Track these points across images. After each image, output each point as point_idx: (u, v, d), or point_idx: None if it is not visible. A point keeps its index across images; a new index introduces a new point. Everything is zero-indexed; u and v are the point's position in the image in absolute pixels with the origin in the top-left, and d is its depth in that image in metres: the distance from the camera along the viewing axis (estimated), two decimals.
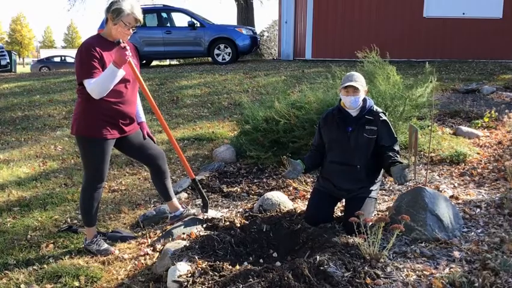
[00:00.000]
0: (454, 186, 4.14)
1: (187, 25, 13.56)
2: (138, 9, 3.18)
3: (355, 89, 3.29)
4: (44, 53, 49.75)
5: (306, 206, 3.61)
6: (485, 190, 3.97)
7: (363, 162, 3.37)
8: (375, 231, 2.83)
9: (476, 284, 2.40)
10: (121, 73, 3.08)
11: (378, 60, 5.38)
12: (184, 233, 3.46)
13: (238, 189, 4.47)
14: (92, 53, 3.08)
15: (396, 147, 3.39)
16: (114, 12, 3.11)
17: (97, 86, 3.06)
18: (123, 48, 2.99)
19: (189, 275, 2.73)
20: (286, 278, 2.49)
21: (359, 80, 3.34)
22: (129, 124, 3.39)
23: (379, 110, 3.43)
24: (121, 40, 3.04)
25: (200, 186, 3.79)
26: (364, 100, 3.39)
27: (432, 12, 12.46)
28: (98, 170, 3.32)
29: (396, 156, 3.29)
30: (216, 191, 4.48)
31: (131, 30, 3.19)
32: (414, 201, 3.23)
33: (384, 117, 3.39)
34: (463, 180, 4.27)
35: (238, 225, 3.45)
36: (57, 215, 4.23)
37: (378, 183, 3.48)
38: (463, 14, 12.37)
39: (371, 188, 3.39)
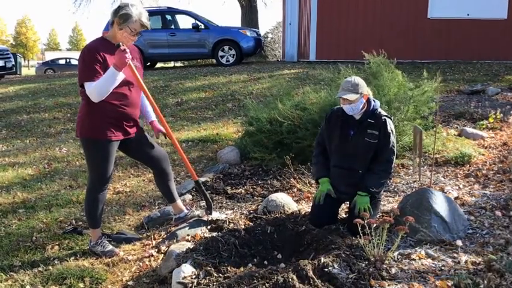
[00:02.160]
0: (459, 187, 4.12)
1: (191, 27, 13.59)
2: (145, 15, 3.18)
3: (349, 100, 3.26)
4: (49, 56, 49.97)
5: (310, 207, 3.61)
6: (490, 191, 3.95)
7: (364, 167, 3.35)
8: (379, 232, 2.83)
9: (482, 286, 2.39)
10: (120, 76, 3.09)
11: (384, 62, 5.36)
12: (188, 235, 3.46)
13: (243, 191, 4.48)
14: (94, 57, 3.08)
15: (387, 155, 3.31)
16: (122, 18, 3.11)
17: (96, 89, 3.07)
18: (123, 51, 2.99)
19: (194, 276, 2.74)
20: (290, 280, 2.49)
21: (355, 88, 3.23)
22: (133, 126, 3.40)
23: (383, 113, 3.36)
24: (121, 43, 3.03)
25: (203, 188, 3.79)
26: (369, 102, 3.35)
27: (436, 13, 12.43)
28: (102, 171, 3.33)
29: (372, 180, 3.28)
30: (220, 193, 4.49)
31: (136, 36, 3.20)
32: (419, 202, 3.22)
33: (387, 123, 3.30)
34: (467, 182, 4.25)
35: (243, 226, 3.45)
36: (62, 216, 4.24)
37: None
38: (468, 15, 12.33)
39: None
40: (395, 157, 3.36)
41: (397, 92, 4.99)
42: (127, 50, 3.02)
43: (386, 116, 3.35)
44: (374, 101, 3.39)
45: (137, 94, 3.38)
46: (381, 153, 3.31)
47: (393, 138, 3.32)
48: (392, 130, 3.32)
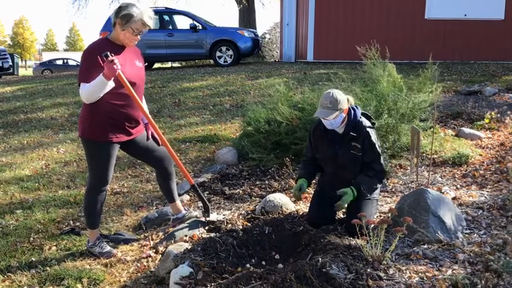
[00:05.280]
0: (456, 187, 4.13)
1: (189, 28, 13.58)
2: (148, 14, 3.15)
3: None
4: (47, 56, 49.87)
5: (308, 208, 3.61)
6: (487, 192, 3.96)
7: (355, 175, 3.32)
8: (377, 233, 2.83)
9: (479, 286, 2.39)
10: (110, 84, 3.08)
11: (380, 62, 5.37)
12: (186, 235, 3.46)
13: (240, 191, 4.48)
14: (94, 59, 3.08)
15: (377, 165, 3.28)
16: (123, 18, 3.10)
17: (85, 93, 3.08)
18: (111, 62, 2.96)
19: (191, 277, 2.74)
20: (288, 280, 2.49)
21: (334, 105, 3.16)
22: (135, 127, 3.39)
23: (366, 123, 3.30)
24: (108, 53, 2.98)
25: (200, 191, 3.75)
26: (349, 113, 3.29)
27: (433, 14, 12.45)
28: (103, 172, 3.33)
29: (365, 180, 3.24)
30: (218, 193, 4.48)
31: (139, 36, 3.19)
32: (416, 203, 3.23)
33: (370, 134, 3.26)
34: (465, 182, 4.26)
35: (241, 227, 3.45)
36: (59, 217, 4.23)
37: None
38: (465, 15, 12.36)
39: None
40: (384, 164, 3.37)
41: (395, 93, 4.99)
42: (115, 60, 2.98)
43: (368, 126, 3.30)
44: (355, 109, 3.34)
45: (140, 95, 3.37)
46: (371, 163, 3.28)
47: (378, 148, 3.30)
48: (375, 140, 3.29)
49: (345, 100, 3.24)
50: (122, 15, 3.10)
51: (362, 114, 3.42)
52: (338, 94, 3.22)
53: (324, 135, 3.38)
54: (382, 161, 3.33)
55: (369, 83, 5.32)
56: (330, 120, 3.21)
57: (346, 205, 3.24)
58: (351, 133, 3.27)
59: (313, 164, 3.57)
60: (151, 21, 3.19)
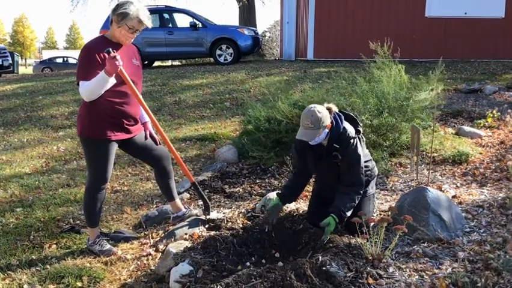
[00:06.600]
0: (457, 186, 4.13)
1: (189, 26, 13.57)
2: (144, 13, 3.16)
3: None
4: (47, 54, 49.76)
5: (308, 206, 3.61)
6: (487, 190, 3.96)
7: None
8: (377, 231, 2.83)
9: (479, 284, 2.39)
10: (112, 80, 3.08)
11: (384, 60, 5.35)
12: (186, 234, 3.46)
13: (241, 190, 4.48)
14: (92, 56, 3.08)
15: (352, 176, 3.13)
16: (119, 16, 3.10)
17: (86, 91, 3.09)
18: (113, 58, 2.96)
19: (191, 275, 2.74)
20: (288, 278, 2.50)
21: (316, 125, 3.03)
22: (134, 125, 3.39)
23: (350, 133, 3.17)
24: (110, 49, 2.99)
25: (200, 189, 3.75)
26: (332, 125, 3.15)
27: (434, 12, 12.45)
28: (102, 170, 3.33)
29: (343, 201, 3.08)
30: (218, 192, 4.48)
31: (135, 33, 3.19)
32: (416, 201, 3.23)
33: (350, 144, 3.13)
34: (465, 180, 4.27)
35: (241, 225, 3.45)
36: (60, 215, 4.23)
37: (372, 181, 3.44)
38: (465, 13, 12.36)
39: (366, 189, 3.35)
40: (364, 177, 3.18)
41: (396, 92, 4.98)
42: (117, 57, 2.99)
43: (352, 136, 3.17)
44: (337, 119, 3.21)
45: (138, 92, 3.37)
46: (346, 173, 3.16)
47: (357, 158, 3.13)
48: (355, 150, 3.14)
49: (327, 116, 3.10)
50: (119, 13, 3.11)
51: (347, 117, 3.32)
52: (319, 112, 3.05)
53: (307, 148, 3.29)
54: (361, 174, 3.15)
55: (371, 81, 5.31)
56: (313, 140, 3.12)
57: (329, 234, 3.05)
58: (334, 145, 3.16)
59: (302, 180, 3.48)
60: (148, 20, 3.19)
